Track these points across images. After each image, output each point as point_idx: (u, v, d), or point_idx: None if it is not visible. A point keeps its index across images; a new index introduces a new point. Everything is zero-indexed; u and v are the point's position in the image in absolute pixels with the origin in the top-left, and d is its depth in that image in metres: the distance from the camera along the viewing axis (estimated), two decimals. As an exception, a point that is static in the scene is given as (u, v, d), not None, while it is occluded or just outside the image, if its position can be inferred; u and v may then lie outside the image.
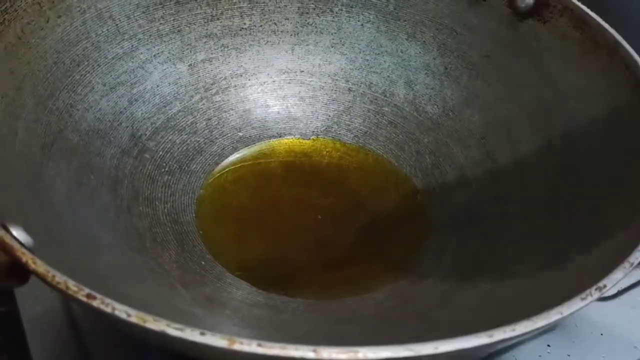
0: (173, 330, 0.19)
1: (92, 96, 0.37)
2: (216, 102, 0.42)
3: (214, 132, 0.42)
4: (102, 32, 0.38)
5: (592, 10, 0.36)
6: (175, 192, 0.38)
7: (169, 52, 0.41)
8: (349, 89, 0.44)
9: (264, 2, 0.43)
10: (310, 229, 0.38)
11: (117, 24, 0.38)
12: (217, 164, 0.41)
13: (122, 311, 0.20)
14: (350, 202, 0.40)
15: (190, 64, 0.42)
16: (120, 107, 0.38)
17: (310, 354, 0.19)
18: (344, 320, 0.33)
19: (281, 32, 0.43)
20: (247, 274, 0.35)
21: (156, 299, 0.30)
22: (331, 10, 0.43)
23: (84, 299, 0.20)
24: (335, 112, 0.44)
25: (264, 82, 0.44)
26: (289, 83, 0.44)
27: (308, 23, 0.43)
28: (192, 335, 0.19)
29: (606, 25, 0.34)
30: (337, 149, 0.43)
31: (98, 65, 0.37)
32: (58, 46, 0.35)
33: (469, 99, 0.41)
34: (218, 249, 0.36)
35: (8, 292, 0.35)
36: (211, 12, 0.42)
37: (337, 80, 0.44)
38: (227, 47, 0.43)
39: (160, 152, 0.39)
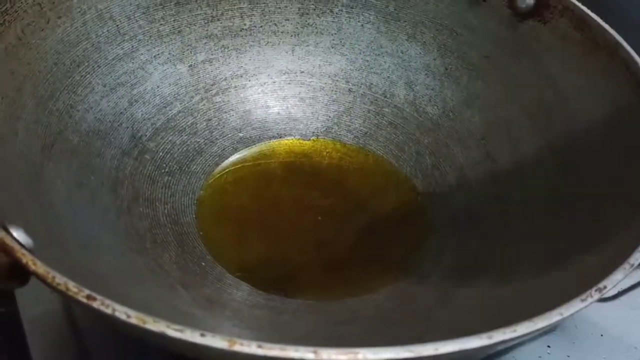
0: (173, 331, 0.19)
1: (93, 97, 0.37)
2: (216, 102, 0.42)
3: (214, 133, 0.42)
4: (103, 33, 0.38)
5: (592, 10, 0.36)
6: (176, 193, 0.38)
7: (169, 53, 0.41)
8: (349, 90, 0.44)
9: (264, 3, 0.43)
10: (311, 229, 0.38)
11: (117, 25, 0.38)
12: (217, 164, 0.41)
13: (122, 312, 0.20)
14: (350, 203, 0.40)
15: (191, 65, 0.42)
16: (121, 107, 0.38)
17: (310, 355, 0.19)
18: (344, 321, 0.33)
19: (281, 32, 0.43)
20: (247, 275, 0.35)
21: (156, 300, 0.30)
22: (331, 11, 0.43)
23: (84, 300, 0.20)
24: (336, 112, 0.44)
25: (264, 83, 0.44)
26: (289, 84, 0.44)
27: (308, 24, 0.43)
28: (192, 336, 0.19)
29: (606, 26, 0.34)
30: (338, 149, 0.43)
31: (98, 66, 0.37)
32: (58, 47, 0.35)
33: (469, 100, 0.41)
34: (218, 250, 0.36)
35: (8, 293, 0.35)
36: (211, 13, 0.42)
37: (337, 81, 0.44)
38: (228, 47, 0.43)
39: (161, 153, 0.39)
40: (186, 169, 0.39)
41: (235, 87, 0.43)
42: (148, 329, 0.20)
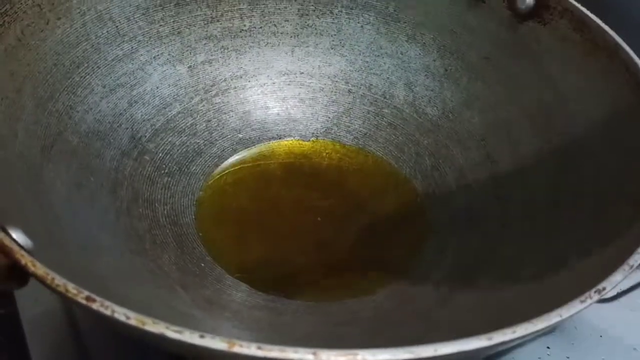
0: (172, 332, 0.19)
1: (92, 98, 0.37)
2: (216, 103, 0.42)
3: (213, 134, 0.42)
4: (102, 33, 0.38)
5: (592, 9, 0.36)
6: (175, 194, 0.38)
7: (169, 54, 0.41)
8: (349, 91, 0.44)
9: (264, 4, 0.43)
10: (310, 230, 0.38)
11: (117, 26, 0.38)
12: (216, 165, 0.41)
13: (121, 314, 0.20)
14: (350, 204, 0.40)
15: (190, 66, 0.42)
16: (120, 108, 0.38)
17: (310, 357, 0.19)
18: (344, 322, 0.33)
19: (281, 33, 0.43)
20: (246, 275, 0.35)
21: (156, 301, 0.30)
22: (331, 12, 0.43)
23: (83, 302, 0.20)
24: (335, 113, 0.44)
25: (264, 84, 0.44)
26: (288, 85, 0.44)
27: (308, 25, 0.43)
28: (191, 337, 0.19)
29: (606, 27, 0.34)
30: (337, 150, 0.43)
31: (98, 67, 0.37)
32: (58, 48, 0.35)
33: (468, 101, 0.41)
34: (217, 251, 0.36)
35: (8, 294, 0.35)
36: (211, 14, 0.42)
37: (337, 81, 0.44)
38: (227, 48, 0.43)
39: (160, 154, 0.39)
40: (186, 170, 0.39)
41: (235, 88, 0.43)
42: (147, 331, 0.20)
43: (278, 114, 0.44)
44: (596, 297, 0.23)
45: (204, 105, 0.42)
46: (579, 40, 0.36)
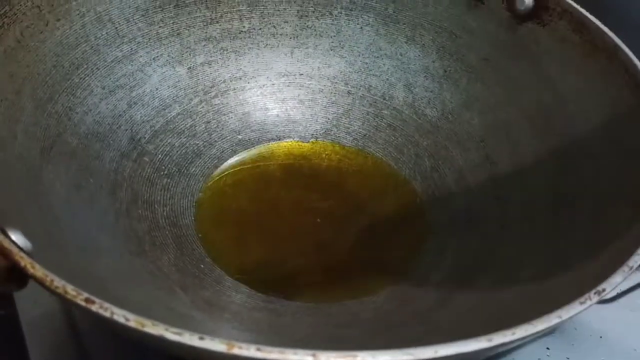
0: (171, 334, 0.19)
1: (91, 99, 0.37)
2: (215, 105, 0.42)
3: (213, 135, 0.42)
4: (102, 35, 0.38)
5: (592, 10, 0.36)
6: (174, 195, 0.38)
7: (168, 55, 0.41)
8: (348, 92, 0.44)
9: (263, 5, 0.43)
10: (310, 232, 0.38)
11: (116, 27, 0.38)
12: (216, 167, 0.41)
13: (120, 315, 0.20)
14: (349, 205, 0.40)
15: (190, 67, 0.42)
16: (120, 110, 0.38)
17: (309, 358, 0.19)
18: (344, 323, 0.33)
19: (280, 35, 0.43)
20: (246, 277, 0.35)
21: (155, 303, 0.30)
22: (330, 13, 0.43)
23: (83, 303, 0.20)
24: (335, 115, 0.44)
25: (263, 85, 0.44)
26: (288, 86, 0.44)
27: (307, 26, 0.43)
28: (190, 339, 0.19)
29: (605, 29, 0.34)
30: (337, 151, 0.43)
31: (97, 68, 0.37)
32: (57, 49, 0.35)
33: (468, 102, 0.41)
34: (217, 252, 0.36)
35: (7, 296, 0.35)
36: (210, 15, 0.42)
37: (336, 83, 0.44)
38: (227, 50, 0.43)
39: (160, 155, 0.39)
40: (185, 171, 0.39)
41: (234, 89, 0.43)
42: (147, 332, 0.19)
43: (277, 115, 0.44)
44: (596, 298, 0.23)
45: (203, 107, 0.42)
46: (578, 42, 0.36)
